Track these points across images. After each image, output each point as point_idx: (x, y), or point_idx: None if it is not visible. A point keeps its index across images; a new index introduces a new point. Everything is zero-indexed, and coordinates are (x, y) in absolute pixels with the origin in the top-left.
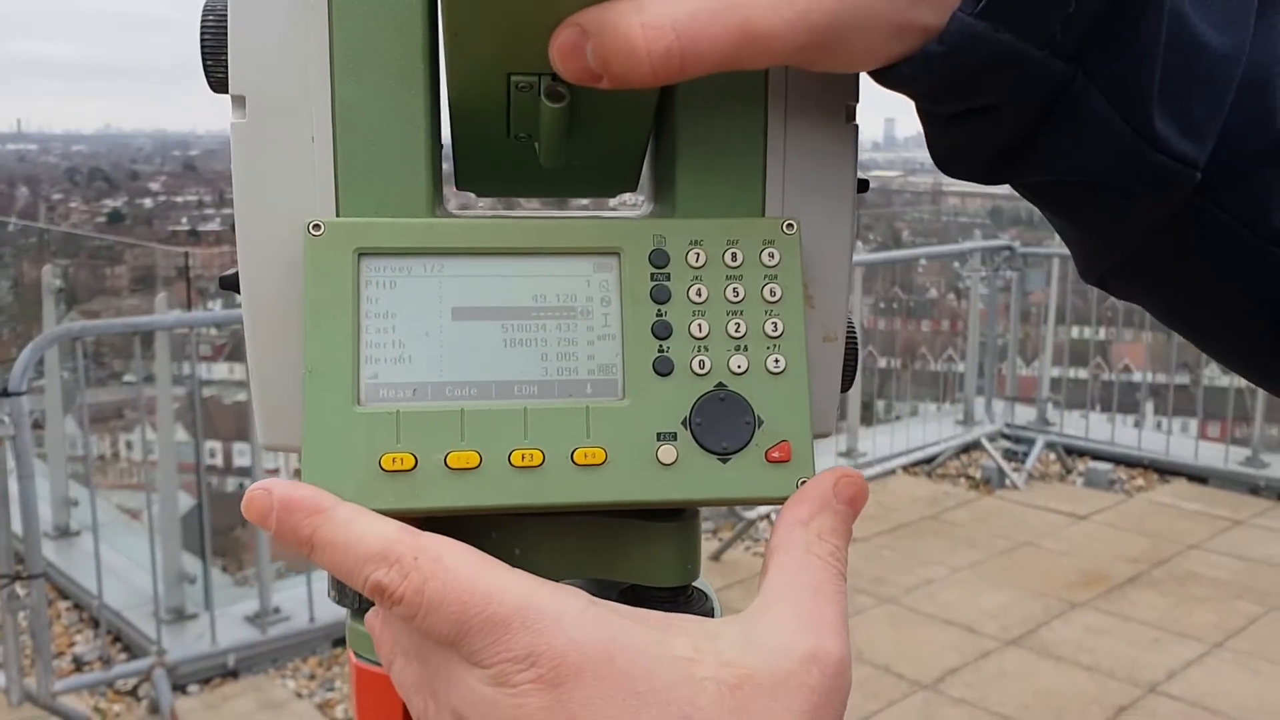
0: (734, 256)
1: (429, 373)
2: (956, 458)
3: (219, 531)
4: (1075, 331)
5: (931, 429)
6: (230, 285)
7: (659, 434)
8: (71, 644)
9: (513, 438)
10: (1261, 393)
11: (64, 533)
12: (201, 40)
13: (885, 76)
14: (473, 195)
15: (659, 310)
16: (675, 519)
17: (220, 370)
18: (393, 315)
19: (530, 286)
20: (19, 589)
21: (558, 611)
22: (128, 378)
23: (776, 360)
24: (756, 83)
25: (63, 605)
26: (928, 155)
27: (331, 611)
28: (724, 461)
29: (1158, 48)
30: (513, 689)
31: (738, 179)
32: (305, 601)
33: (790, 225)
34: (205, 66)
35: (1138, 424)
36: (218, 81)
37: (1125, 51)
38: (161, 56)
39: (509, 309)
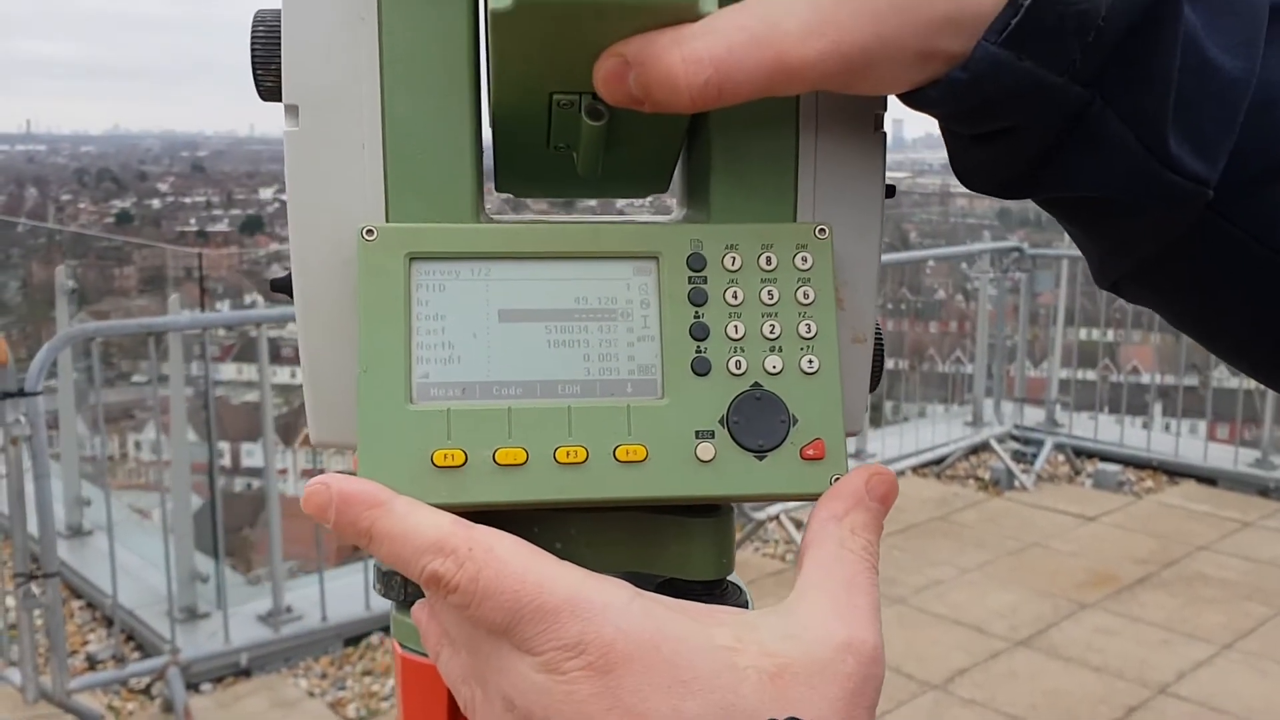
0: (768, 260)
1: (477, 372)
2: (965, 459)
3: (228, 531)
4: (1084, 333)
5: (940, 430)
6: (282, 288)
7: (697, 431)
8: (85, 643)
9: (557, 435)
10: (1271, 394)
11: (76, 532)
12: (252, 50)
13: (911, 99)
14: (510, 196)
15: (696, 312)
16: (711, 514)
17: (229, 371)
18: (442, 317)
19: (573, 289)
20: (34, 588)
21: (605, 601)
22: (135, 378)
23: (810, 361)
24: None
25: (75, 604)
26: (935, 157)
27: (343, 611)
28: (760, 458)
29: (1172, 72)
30: (563, 675)
31: (770, 185)
32: (317, 601)
33: (822, 230)
34: (255, 76)
35: (1145, 425)
36: (267, 90)
37: (1141, 76)
38: (163, 56)
39: (553, 311)
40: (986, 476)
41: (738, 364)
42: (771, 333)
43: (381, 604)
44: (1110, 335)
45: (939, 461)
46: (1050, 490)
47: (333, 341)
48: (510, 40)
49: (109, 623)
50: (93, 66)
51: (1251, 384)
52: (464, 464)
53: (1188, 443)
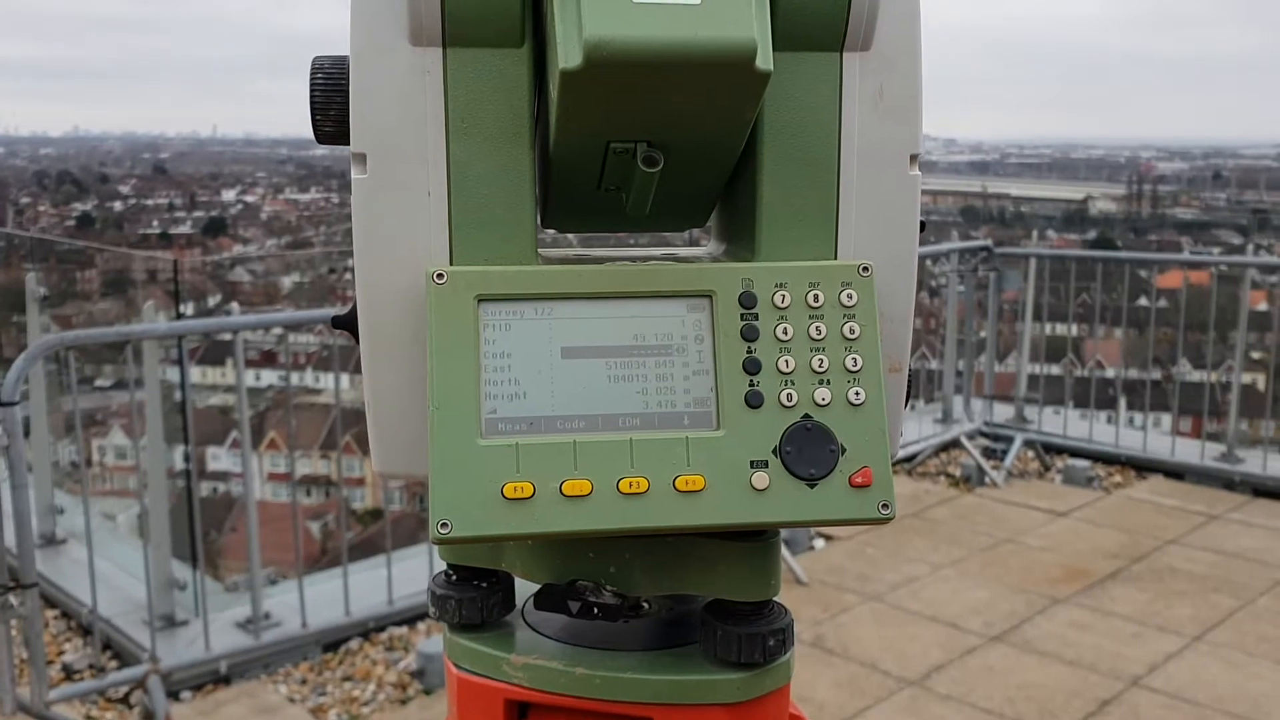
0: (816, 298)
1: (542, 407)
2: (936, 456)
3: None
4: (1049, 328)
5: (911, 427)
6: (345, 325)
7: (752, 461)
8: (61, 653)
9: (620, 467)
10: (1235, 388)
11: (50, 541)
12: (311, 96)
13: None
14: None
15: (749, 347)
16: (759, 539)
17: (193, 374)
18: (509, 355)
19: (631, 327)
20: (12, 599)
21: None
22: (99, 382)
23: (857, 393)
24: (831, 136)
25: (50, 614)
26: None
27: (323, 617)
28: (811, 486)
29: None
30: None
31: (814, 224)
32: (297, 607)
33: (865, 269)
34: (314, 121)
35: (1110, 420)
36: (326, 135)
37: None
38: (123, 56)
39: (612, 348)
40: (958, 473)
41: (789, 396)
42: (820, 366)
43: (361, 609)
44: (1075, 330)
45: (910, 459)
46: (1021, 486)
47: (399, 378)
48: (575, 95)
49: (85, 632)
50: (51, 67)
51: (1215, 377)
52: (532, 496)
53: (1155, 437)
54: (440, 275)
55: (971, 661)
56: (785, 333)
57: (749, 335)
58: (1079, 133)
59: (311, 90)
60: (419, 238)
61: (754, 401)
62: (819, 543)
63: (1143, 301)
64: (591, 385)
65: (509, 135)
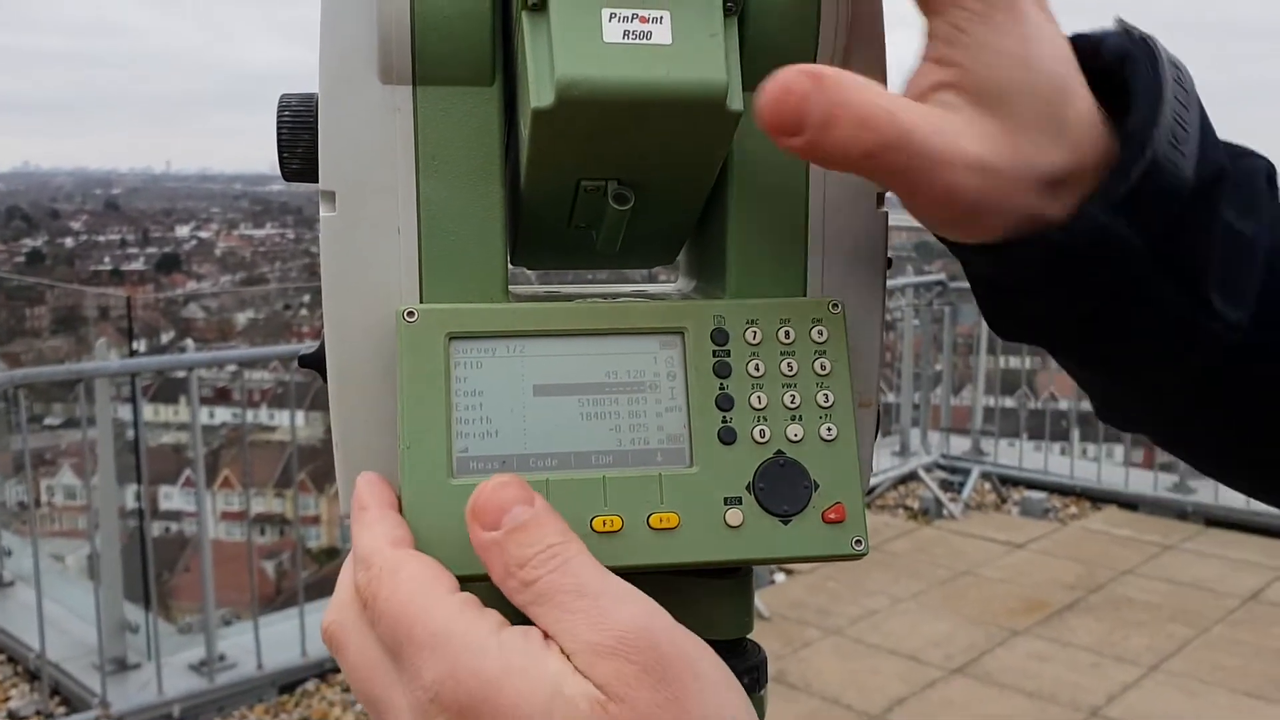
0: (787, 334)
1: (514, 446)
2: (894, 489)
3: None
4: (1003, 361)
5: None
6: (312, 364)
7: (726, 498)
8: (6, 699)
9: (593, 505)
10: None
11: None
12: (278, 133)
13: (990, 253)
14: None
15: (721, 384)
16: (732, 576)
17: (145, 412)
18: (480, 393)
19: (603, 364)
20: None
21: (465, 641)
22: (49, 421)
23: (829, 429)
24: (799, 173)
25: None
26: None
27: (279, 658)
28: (785, 523)
29: (1218, 235)
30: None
31: (782, 261)
32: (252, 649)
33: (835, 305)
34: (281, 158)
35: (1064, 452)
36: (293, 172)
37: (1196, 239)
38: (74, 90)
39: (584, 385)
40: (916, 506)
41: (761, 433)
42: (792, 402)
43: (318, 650)
44: (1028, 363)
45: (869, 492)
46: (978, 518)
47: (368, 417)
48: (547, 134)
49: (32, 677)
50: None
51: None
52: None
53: (1109, 468)
54: (410, 314)
55: (933, 694)
56: (757, 369)
57: (721, 372)
58: None
59: (279, 127)
60: (388, 275)
61: (727, 438)
62: (779, 576)
63: None
64: (563, 423)
65: (480, 173)
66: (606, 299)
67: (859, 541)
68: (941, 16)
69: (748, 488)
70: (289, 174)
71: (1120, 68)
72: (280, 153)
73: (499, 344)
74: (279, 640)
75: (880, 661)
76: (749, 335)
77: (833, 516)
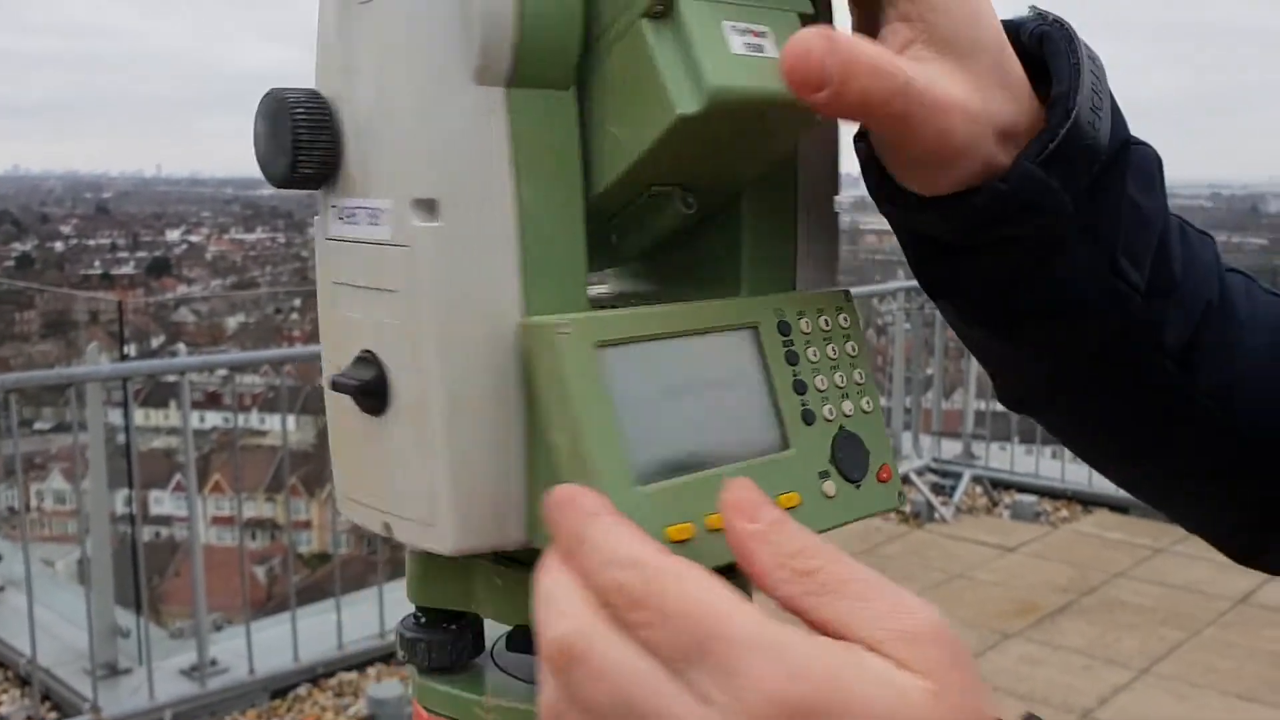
0: (826, 322)
1: (670, 448)
2: None
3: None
4: None
5: None
6: (366, 391)
7: (820, 473)
8: None
9: (780, 488)
10: None
11: None
12: (295, 136)
13: (943, 205)
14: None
15: (794, 371)
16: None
17: (136, 416)
18: (630, 398)
19: (712, 360)
20: None
21: (803, 643)
22: (38, 425)
23: (868, 402)
24: (791, 173)
25: None
26: (846, 194)
27: (271, 662)
28: (857, 488)
29: (1123, 203)
30: None
31: (780, 260)
32: (244, 653)
33: (847, 294)
34: (295, 161)
35: (1055, 455)
36: (303, 178)
37: (1107, 203)
38: (64, 94)
39: (704, 381)
40: (907, 509)
41: (830, 411)
42: (841, 382)
43: (310, 655)
44: None
45: None
46: (970, 522)
47: (487, 440)
48: (677, 139)
49: (22, 683)
50: None
51: None
52: (693, 537)
53: None
54: (565, 326)
55: None
56: (815, 355)
57: (791, 360)
58: None
59: (295, 129)
60: (496, 287)
61: (808, 419)
62: None
63: None
64: (693, 421)
65: (565, 178)
66: (681, 301)
67: (901, 495)
68: None
69: (831, 460)
70: (297, 179)
71: (1039, 48)
72: (296, 155)
73: (634, 349)
74: (271, 645)
75: None
76: (803, 325)
77: (884, 476)
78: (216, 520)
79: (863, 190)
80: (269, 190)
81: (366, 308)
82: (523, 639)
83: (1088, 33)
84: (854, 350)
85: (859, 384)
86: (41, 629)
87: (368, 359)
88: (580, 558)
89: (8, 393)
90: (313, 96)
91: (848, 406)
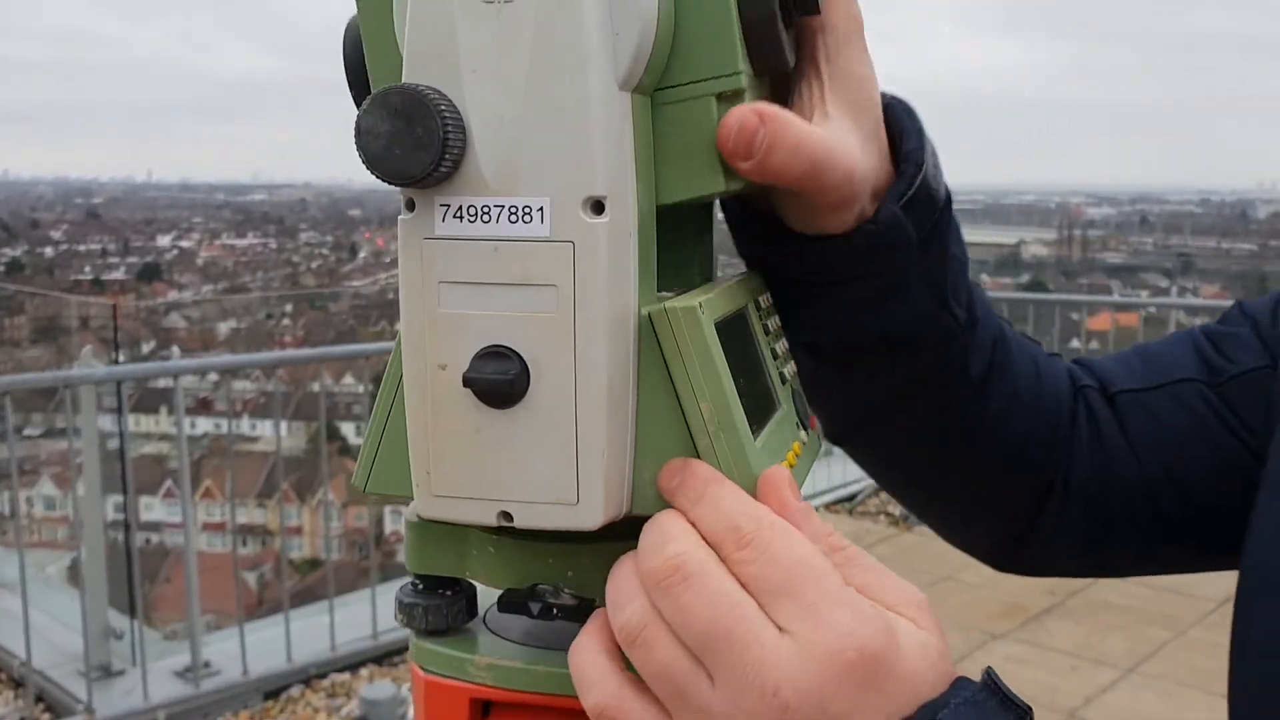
0: (765, 299)
1: (748, 405)
2: (875, 495)
3: (131, 587)
4: None
5: (851, 468)
6: (506, 387)
7: (795, 424)
8: None
9: (789, 443)
10: None
11: None
12: (444, 135)
13: (822, 246)
14: None
15: (769, 341)
16: None
17: (128, 422)
18: (732, 370)
19: (744, 334)
20: None
21: (870, 604)
22: (28, 431)
23: (792, 366)
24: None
25: None
26: None
27: (264, 664)
28: (808, 434)
29: (950, 247)
30: (840, 656)
31: (710, 255)
32: (237, 655)
33: (759, 276)
34: (439, 159)
35: None
36: (441, 175)
37: (939, 248)
38: (54, 100)
39: (745, 351)
40: (896, 512)
41: (787, 372)
42: (782, 350)
43: (302, 655)
44: None
45: (851, 498)
46: None
47: (621, 420)
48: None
49: (16, 685)
50: None
51: None
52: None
53: None
54: (700, 306)
55: None
56: (771, 326)
57: (765, 332)
58: (1009, 179)
59: (444, 125)
60: (628, 279)
61: (782, 380)
62: None
63: (1074, 344)
64: (748, 382)
65: (648, 180)
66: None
67: (821, 437)
68: (820, 37)
69: (798, 414)
70: (432, 178)
71: (886, 114)
72: (442, 153)
73: (721, 326)
74: (264, 646)
75: None
76: (761, 302)
77: (814, 425)
78: (208, 527)
79: None
80: (260, 196)
81: (499, 303)
82: (512, 601)
83: (1077, 41)
84: (776, 324)
85: (787, 350)
86: (35, 632)
87: (502, 353)
88: (700, 509)
89: (1, 395)
90: (443, 95)
91: (789, 370)
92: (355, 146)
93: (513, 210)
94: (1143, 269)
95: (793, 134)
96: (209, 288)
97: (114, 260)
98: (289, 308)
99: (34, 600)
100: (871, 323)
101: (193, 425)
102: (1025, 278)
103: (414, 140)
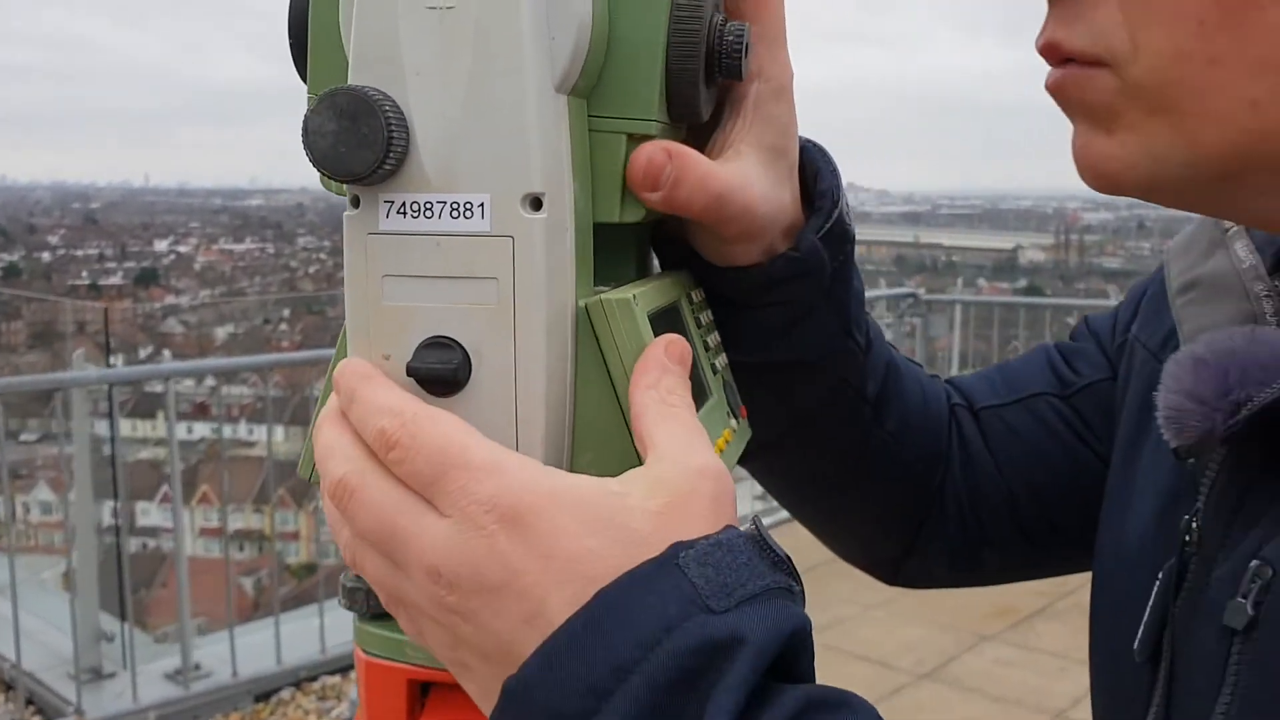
0: (697, 295)
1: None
2: None
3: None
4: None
5: None
6: (442, 379)
7: (725, 413)
8: None
9: (720, 432)
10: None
11: None
12: (389, 138)
13: (748, 273)
14: None
15: (701, 334)
16: None
17: (123, 427)
18: None
19: (676, 325)
20: None
21: (519, 465)
22: (24, 436)
23: (723, 358)
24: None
25: None
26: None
27: (254, 666)
28: (738, 421)
29: (853, 279)
30: (482, 530)
31: (645, 249)
32: (227, 658)
33: (689, 274)
34: (383, 159)
35: None
36: (386, 173)
37: (843, 279)
38: (51, 104)
39: (688, 341)
40: None
41: (718, 364)
42: (713, 342)
43: (292, 658)
44: None
45: None
46: None
47: (560, 407)
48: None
49: (8, 687)
50: None
51: None
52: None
53: None
54: (636, 299)
55: (901, 699)
56: (703, 320)
57: (697, 325)
58: (1007, 184)
59: (389, 124)
60: (566, 273)
61: (713, 371)
62: None
63: None
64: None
65: (584, 178)
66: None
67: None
68: (753, 83)
69: (729, 404)
70: (376, 175)
71: (801, 156)
72: (387, 151)
73: (654, 316)
74: (255, 649)
75: (851, 667)
76: (694, 297)
77: (743, 414)
78: (204, 532)
79: (850, 201)
80: (257, 201)
81: (441, 296)
82: None
83: None
84: (708, 318)
85: (719, 344)
86: (28, 635)
87: (444, 344)
88: (353, 412)
89: None
90: (388, 96)
91: (720, 361)
92: (302, 145)
93: (454, 206)
94: (1140, 274)
95: (699, 170)
96: (206, 292)
97: (111, 265)
98: (286, 312)
99: (26, 604)
100: (784, 346)
101: (189, 430)
102: (1023, 282)
103: (359, 139)
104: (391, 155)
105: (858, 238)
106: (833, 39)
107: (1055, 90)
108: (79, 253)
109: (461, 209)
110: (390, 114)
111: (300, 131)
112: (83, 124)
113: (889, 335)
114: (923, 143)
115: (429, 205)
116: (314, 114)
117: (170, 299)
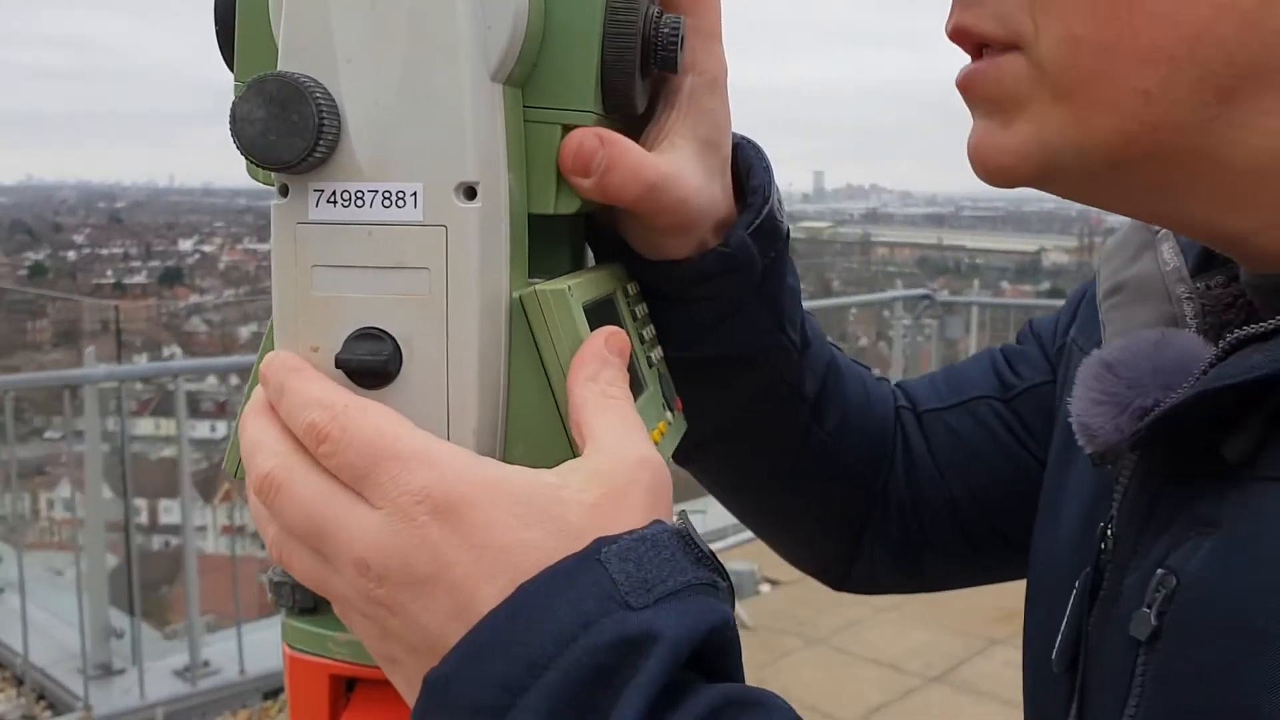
0: (632, 288)
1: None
2: None
3: (146, 589)
4: None
5: None
6: (371, 371)
7: (661, 405)
8: None
9: (655, 424)
10: None
11: None
12: (320, 119)
13: (679, 267)
14: None
15: (636, 326)
16: None
17: (146, 426)
18: None
19: (613, 317)
20: None
21: (451, 455)
22: (49, 434)
23: (658, 352)
24: None
25: None
26: (855, 206)
27: (261, 664)
28: (674, 414)
29: (787, 276)
30: (413, 522)
31: (580, 241)
32: (235, 655)
33: (624, 266)
34: (313, 147)
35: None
36: (317, 160)
37: (777, 275)
38: (78, 105)
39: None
40: None
41: (654, 357)
42: (649, 336)
43: None
44: None
45: None
46: None
47: (492, 398)
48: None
49: (18, 682)
50: (3, 116)
51: None
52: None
53: None
54: (571, 291)
55: (910, 702)
56: (639, 313)
57: (634, 318)
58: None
59: (319, 111)
60: (500, 263)
61: (650, 364)
62: (764, 587)
63: None
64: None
65: (519, 168)
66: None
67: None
68: (688, 77)
69: (664, 396)
70: (306, 164)
71: (735, 153)
72: (317, 139)
73: (589, 307)
74: (264, 646)
75: (860, 670)
76: (629, 289)
77: (679, 407)
78: (227, 530)
79: (873, 203)
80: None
81: (372, 286)
82: None
83: None
84: (643, 312)
85: (654, 337)
86: (40, 631)
87: (375, 335)
88: (282, 405)
89: (2, 394)
90: (318, 83)
91: (656, 354)
92: (230, 133)
93: (386, 195)
94: None
95: (631, 158)
96: (230, 292)
97: (136, 264)
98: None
99: (42, 601)
100: (715, 340)
101: (212, 429)
102: (1046, 285)
103: (289, 126)
104: (322, 143)
105: (881, 239)
106: (856, 41)
107: (965, 85)
108: (104, 251)
109: (394, 198)
110: (321, 101)
111: (228, 119)
112: (109, 124)
113: (906, 337)
114: (946, 144)
115: (360, 194)
116: (242, 101)
117: (194, 298)
